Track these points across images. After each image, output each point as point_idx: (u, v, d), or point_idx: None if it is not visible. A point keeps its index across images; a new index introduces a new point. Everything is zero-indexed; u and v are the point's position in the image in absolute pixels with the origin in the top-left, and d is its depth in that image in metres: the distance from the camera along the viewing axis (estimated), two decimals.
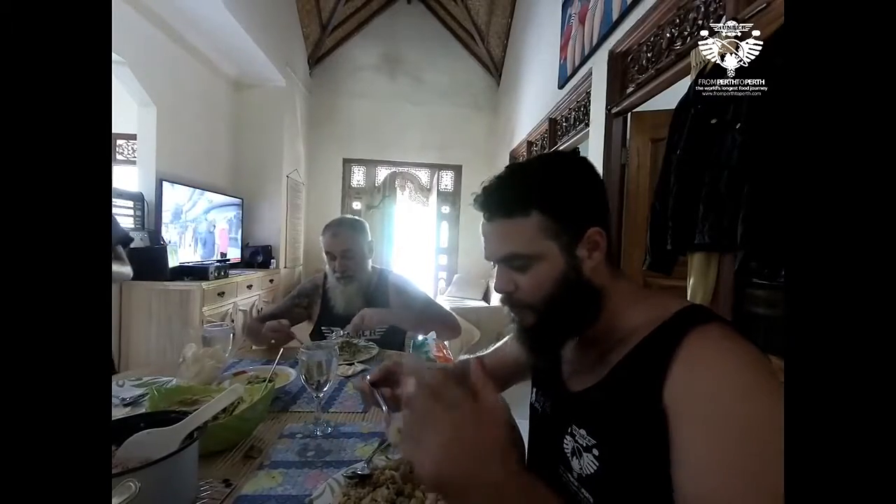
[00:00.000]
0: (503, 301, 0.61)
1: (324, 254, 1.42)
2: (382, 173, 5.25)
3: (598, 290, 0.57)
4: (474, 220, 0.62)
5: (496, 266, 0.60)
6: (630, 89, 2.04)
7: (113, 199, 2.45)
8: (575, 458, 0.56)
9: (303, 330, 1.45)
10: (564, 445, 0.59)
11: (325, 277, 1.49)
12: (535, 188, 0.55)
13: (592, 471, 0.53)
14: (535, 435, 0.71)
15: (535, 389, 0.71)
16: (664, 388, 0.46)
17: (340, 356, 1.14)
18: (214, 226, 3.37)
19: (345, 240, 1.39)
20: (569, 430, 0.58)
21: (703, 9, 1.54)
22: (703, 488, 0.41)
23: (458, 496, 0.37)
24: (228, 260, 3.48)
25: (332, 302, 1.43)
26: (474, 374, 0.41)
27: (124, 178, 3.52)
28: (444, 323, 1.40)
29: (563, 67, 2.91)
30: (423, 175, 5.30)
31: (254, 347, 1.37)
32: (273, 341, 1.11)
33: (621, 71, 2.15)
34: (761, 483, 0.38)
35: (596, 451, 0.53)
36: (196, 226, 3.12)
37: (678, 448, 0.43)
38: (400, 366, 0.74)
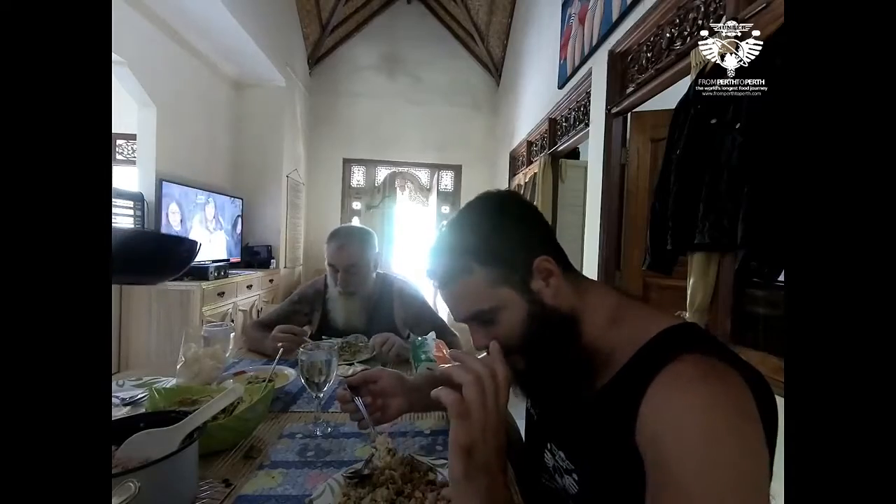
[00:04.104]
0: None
1: (326, 264, 1.36)
2: (382, 173, 5.24)
3: (568, 313, 0.55)
4: None
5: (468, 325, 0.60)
6: (630, 89, 2.04)
7: (113, 199, 2.45)
8: (557, 474, 0.57)
9: None
10: (546, 459, 0.60)
11: (326, 283, 1.44)
12: (468, 245, 0.55)
13: (574, 492, 0.54)
14: (527, 442, 0.72)
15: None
16: (636, 426, 0.45)
17: (340, 356, 1.13)
18: (213, 225, 3.37)
19: (350, 254, 1.32)
20: (548, 447, 0.59)
21: (703, 9, 1.54)
22: None
23: (475, 488, 0.45)
24: (228, 260, 3.48)
25: (332, 314, 1.39)
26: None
27: (124, 178, 3.52)
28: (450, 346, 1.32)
29: (562, 67, 2.91)
30: (422, 175, 5.30)
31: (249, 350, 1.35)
32: (280, 346, 1.01)
33: (621, 71, 2.15)
34: None
35: (575, 476, 0.53)
36: (195, 226, 3.12)
37: (647, 494, 0.42)
38: (382, 373, 0.74)
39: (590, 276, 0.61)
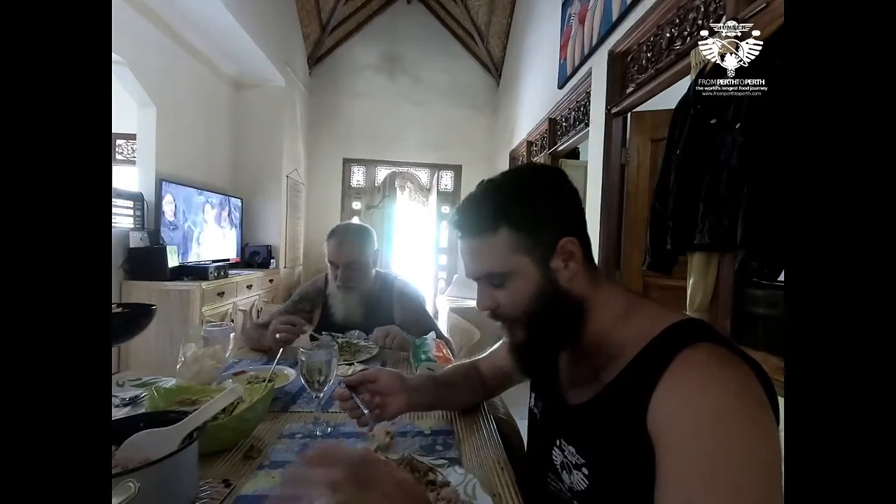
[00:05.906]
0: (490, 317, 0.60)
1: (327, 260, 1.39)
2: (382, 173, 5.24)
3: (578, 300, 0.55)
4: None
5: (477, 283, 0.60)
6: (630, 89, 2.04)
7: (113, 199, 2.45)
8: (565, 472, 0.57)
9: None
10: (553, 457, 0.59)
11: (327, 280, 1.47)
12: (502, 205, 0.55)
13: (583, 488, 0.53)
14: (530, 441, 0.72)
15: (533, 394, 0.72)
16: (647, 415, 0.45)
17: (340, 356, 1.13)
18: (213, 225, 3.37)
19: (350, 251, 1.35)
20: (557, 444, 0.59)
21: (703, 9, 1.54)
22: None
23: None
24: (228, 260, 3.48)
25: (332, 309, 1.42)
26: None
27: (124, 178, 3.51)
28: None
29: (562, 67, 2.91)
30: (422, 175, 5.30)
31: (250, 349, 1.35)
32: (279, 336, 1.03)
33: (621, 71, 2.15)
34: None
35: (585, 471, 0.53)
36: (195, 226, 3.12)
37: (658, 479, 0.43)
38: (380, 373, 0.75)
39: None
